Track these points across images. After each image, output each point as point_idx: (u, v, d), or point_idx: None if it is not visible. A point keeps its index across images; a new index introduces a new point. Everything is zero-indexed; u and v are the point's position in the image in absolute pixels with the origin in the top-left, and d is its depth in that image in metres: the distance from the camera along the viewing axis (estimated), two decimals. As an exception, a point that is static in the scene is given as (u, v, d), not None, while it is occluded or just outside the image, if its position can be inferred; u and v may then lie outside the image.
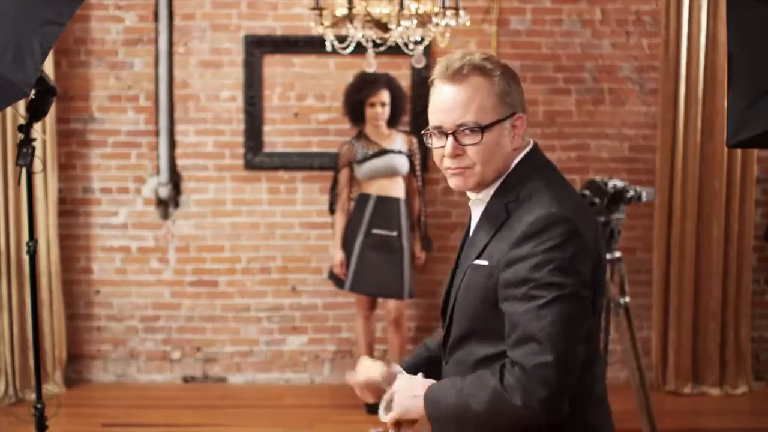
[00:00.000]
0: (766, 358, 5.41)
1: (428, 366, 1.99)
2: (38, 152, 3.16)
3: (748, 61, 2.38)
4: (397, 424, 1.82)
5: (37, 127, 2.94)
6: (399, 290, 4.70)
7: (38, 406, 2.98)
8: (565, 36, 5.21)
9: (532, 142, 1.87)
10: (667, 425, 4.47)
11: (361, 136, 4.78)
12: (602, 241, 1.96)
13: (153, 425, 4.56)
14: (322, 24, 3.69)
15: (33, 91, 2.77)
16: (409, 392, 1.79)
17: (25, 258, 4.27)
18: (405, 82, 5.08)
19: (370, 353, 4.85)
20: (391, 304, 4.76)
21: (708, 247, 5.07)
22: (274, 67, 5.18)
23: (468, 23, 3.86)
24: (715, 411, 4.90)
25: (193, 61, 5.16)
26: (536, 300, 1.64)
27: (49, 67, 4.76)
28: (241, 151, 5.20)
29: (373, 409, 4.81)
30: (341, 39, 3.70)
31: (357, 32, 3.61)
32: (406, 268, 4.75)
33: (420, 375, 1.87)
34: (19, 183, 3.04)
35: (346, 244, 4.74)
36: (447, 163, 1.80)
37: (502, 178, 1.82)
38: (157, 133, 5.18)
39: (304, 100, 5.20)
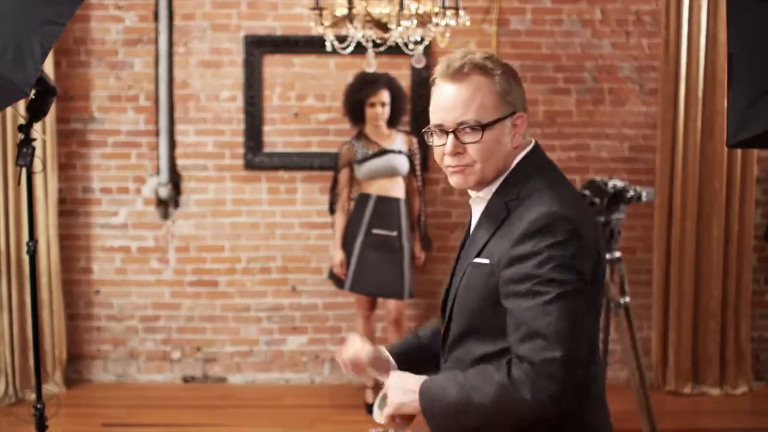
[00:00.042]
0: (766, 358, 5.41)
1: (415, 354, 2.02)
2: (38, 152, 3.16)
3: (748, 61, 2.38)
4: (393, 419, 1.82)
5: (37, 127, 2.94)
6: (399, 290, 4.70)
7: (38, 406, 2.98)
8: (565, 36, 5.21)
9: (533, 142, 1.88)
10: (667, 425, 4.47)
11: (361, 136, 4.78)
12: (602, 241, 1.97)
13: (153, 425, 4.56)
14: (322, 24, 3.69)
15: (33, 91, 2.77)
16: (403, 388, 1.79)
17: (25, 258, 4.27)
18: (405, 82, 5.08)
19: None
20: (391, 304, 4.76)
21: (708, 247, 5.07)
22: (274, 67, 5.18)
23: (468, 23, 3.86)
24: (715, 411, 4.90)
25: (193, 61, 5.16)
26: (541, 296, 1.64)
27: (49, 67, 4.76)
28: (241, 151, 5.20)
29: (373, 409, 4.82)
30: (341, 39, 3.70)
31: (357, 32, 3.61)
32: (406, 268, 4.75)
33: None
34: (19, 183, 3.04)
35: (346, 244, 4.73)
36: (447, 161, 1.81)
37: (503, 177, 1.82)
38: (157, 133, 5.18)
39: (304, 100, 5.21)
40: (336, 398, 5.02)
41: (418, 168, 4.86)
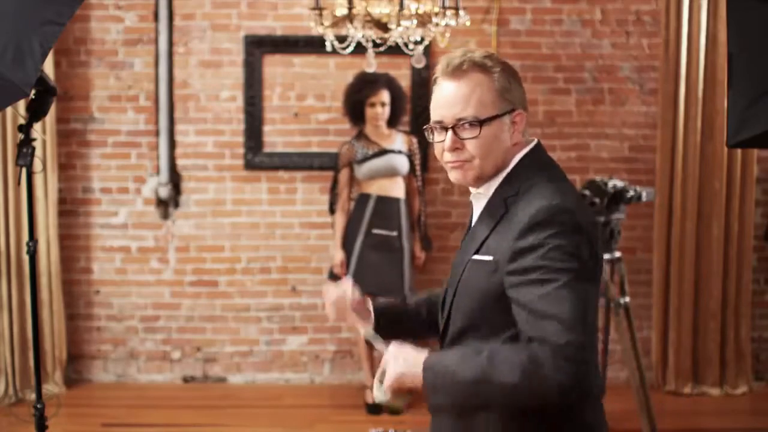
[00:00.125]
0: (766, 358, 5.41)
1: (395, 317, 2.04)
2: (38, 152, 3.15)
3: (748, 61, 2.38)
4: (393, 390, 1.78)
5: (37, 127, 2.94)
6: (399, 290, 4.70)
7: (38, 406, 2.98)
8: (565, 36, 5.21)
9: (535, 141, 1.89)
10: (667, 425, 4.47)
11: (361, 136, 4.78)
12: (601, 242, 1.97)
13: (153, 425, 4.56)
14: (322, 24, 3.69)
15: (33, 91, 2.77)
16: (404, 358, 1.74)
17: (25, 258, 4.27)
18: (405, 82, 5.08)
19: (370, 353, 4.85)
20: (391, 304, 4.75)
21: (708, 247, 5.07)
22: (274, 67, 5.18)
23: (468, 23, 3.86)
24: (715, 411, 4.90)
25: (193, 61, 5.16)
26: (551, 284, 1.64)
27: (49, 67, 4.76)
28: (241, 151, 5.20)
29: (373, 409, 4.84)
30: (341, 39, 3.70)
31: (357, 32, 3.61)
32: (406, 268, 4.75)
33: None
34: (19, 183, 3.04)
35: (346, 244, 4.73)
36: (447, 156, 1.84)
37: (503, 175, 1.84)
38: (157, 133, 5.18)
39: (304, 100, 5.21)
40: (336, 398, 5.02)
41: (418, 168, 4.86)
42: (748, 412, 4.93)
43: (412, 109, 5.14)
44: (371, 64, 3.84)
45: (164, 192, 5.18)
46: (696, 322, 5.12)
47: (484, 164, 1.82)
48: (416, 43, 3.74)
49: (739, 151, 4.94)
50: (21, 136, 2.90)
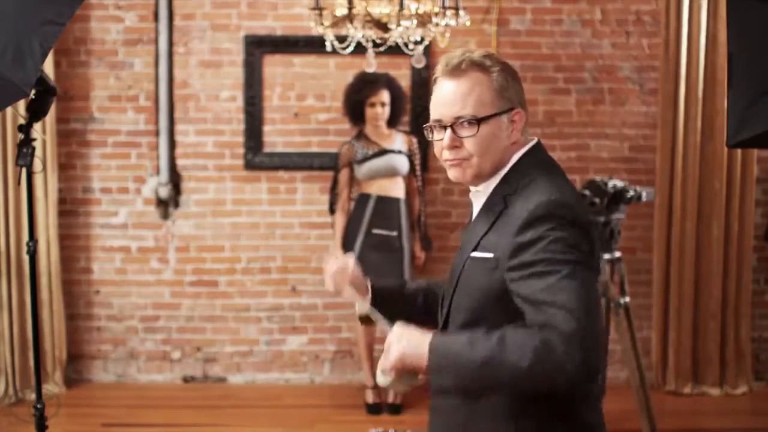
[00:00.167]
0: (766, 358, 5.41)
1: (392, 297, 2.04)
2: (38, 152, 3.16)
3: (748, 61, 2.38)
4: (394, 370, 1.75)
5: (37, 127, 2.94)
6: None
7: (38, 406, 2.98)
8: (565, 36, 5.21)
9: (535, 140, 1.90)
10: (667, 425, 4.47)
11: (361, 136, 4.78)
12: (599, 240, 1.98)
13: (153, 425, 4.56)
14: (322, 24, 3.69)
15: (33, 91, 2.77)
16: (408, 338, 1.73)
17: (25, 258, 4.27)
18: (405, 82, 5.08)
19: (370, 353, 4.85)
20: (391, 304, 4.75)
21: (708, 247, 5.07)
22: (274, 67, 5.18)
23: (468, 23, 3.86)
24: (715, 411, 4.90)
25: (193, 61, 5.16)
26: (554, 275, 1.64)
27: (49, 67, 4.76)
28: (241, 151, 5.20)
29: (373, 409, 4.84)
30: (341, 39, 3.70)
31: (357, 32, 3.61)
32: (406, 268, 4.75)
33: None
34: (19, 183, 3.04)
35: (346, 244, 4.73)
36: (445, 154, 1.85)
37: (502, 173, 1.85)
38: (157, 133, 5.18)
39: (304, 100, 5.20)
40: (336, 398, 5.02)
41: (418, 168, 4.86)
42: (748, 412, 4.93)
43: (412, 109, 5.14)
44: (371, 64, 3.83)
45: (164, 192, 5.18)
46: (696, 322, 5.12)
47: (483, 162, 1.83)
48: (416, 43, 3.74)
49: (739, 151, 4.93)
50: (21, 136, 2.90)
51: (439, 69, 1.86)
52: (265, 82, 5.17)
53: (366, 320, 2.03)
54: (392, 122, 4.79)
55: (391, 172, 4.74)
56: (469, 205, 1.95)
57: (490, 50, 2.35)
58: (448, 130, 1.82)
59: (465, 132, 1.81)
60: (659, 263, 5.11)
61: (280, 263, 5.24)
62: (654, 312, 5.17)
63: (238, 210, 5.23)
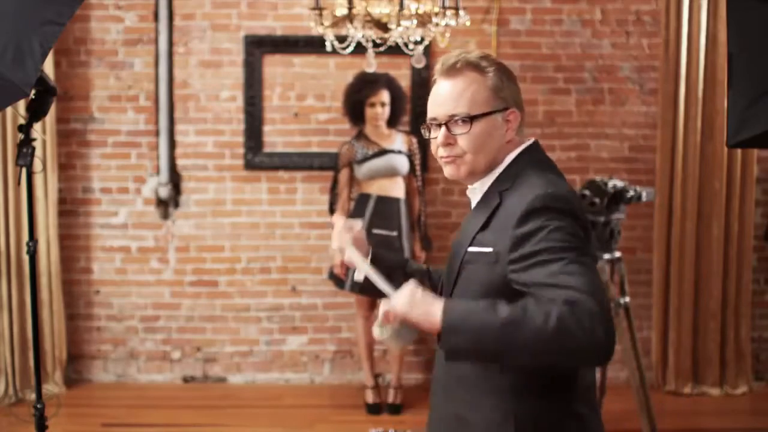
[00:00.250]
0: (766, 358, 5.41)
1: (393, 269, 2.04)
2: (38, 152, 3.16)
3: (748, 61, 2.38)
4: (392, 317, 1.72)
5: (37, 127, 2.94)
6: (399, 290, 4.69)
7: (38, 406, 2.98)
8: (565, 36, 5.21)
9: (532, 140, 1.93)
10: (667, 425, 4.47)
11: (361, 136, 4.78)
12: (595, 242, 2.00)
13: (153, 425, 4.56)
14: (322, 24, 3.69)
15: (33, 91, 2.77)
16: (420, 297, 1.69)
17: (25, 258, 4.27)
18: (405, 82, 5.08)
19: (370, 353, 4.86)
20: (391, 304, 4.75)
21: (708, 247, 5.07)
22: (274, 67, 5.18)
23: (468, 23, 3.86)
24: (715, 411, 4.90)
25: (193, 61, 5.16)
26: (558, 262, 1.66)
27: (49, 67, 4.76)
28: (241, 151, 5.20)
29: (373, 409, 4.84)
30: (341, 39, 3.70)
31: (357, 32, 3.61)
32: (406, 268, 4.74)
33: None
34: (19, 183, 3.04)
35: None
36: (440, 152, 1.90)
37: (499, 170, 1.88)
38: (157, 133, 5.18)
39: (304, 100, 5.21)
40: (336, 398, 5.02)
41: (418, 168, 4.86)
42: (748, 412, 4.93)
43: (412, 109, 5.14)
44: (371, 64, 3.83)
45: (164, 192, 5.18)
46: (696, 322, 5.12)
47: (476, 159, 1.87)
48: (416, 43, 3.74)
49: (739, 151, 4.94)
50: (21, 136, 2.90)
51: (436, 69, 1.91)
52: (265, 82, 5.18)
53: (362, 288, 2.02)
54: (392, 122, 4.79)
55: (391, 172, 4.74)
56: (469, 204, 1.97)
57: (487, 51, 2.37)
58: (443, 128, 1.88)
59: (458, 129, 1.86)
60: (659, 263, 5.11)
61: (280, 263, 5.24)
62: (654, 312, 5.17)
63: (238, 210, 5.23)
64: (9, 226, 4.83)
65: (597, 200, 4.06)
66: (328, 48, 3.71)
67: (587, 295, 1.59)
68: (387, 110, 4.73)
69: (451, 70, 1.87)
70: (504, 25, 5.19)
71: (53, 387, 4.95)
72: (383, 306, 1.72)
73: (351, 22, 3.58)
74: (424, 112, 1.97)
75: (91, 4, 5.08)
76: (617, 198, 4.08)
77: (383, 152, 4.73)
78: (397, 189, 4.78)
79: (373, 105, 4.70)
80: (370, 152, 4.72)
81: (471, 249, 1.83)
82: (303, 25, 4.90)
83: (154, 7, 5.12)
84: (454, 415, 1.87)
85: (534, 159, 1.89)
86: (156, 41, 5.13)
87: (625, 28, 5.22)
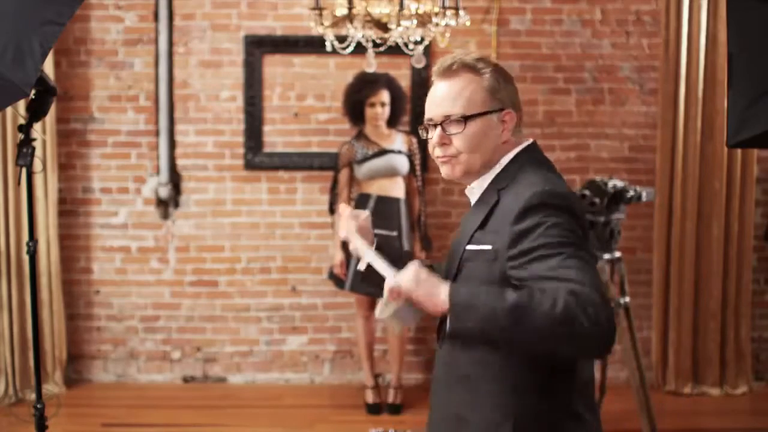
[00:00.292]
0: (766, 358, 5.41)
1: (395, 260, 2.02)
2: (38, 152, 3.16)
3: (748, 61, 2.38)
4: (396, 294, 1.72)
5: (37, 127, 2.94)
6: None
7: (38, 406, 2.98)
8: (565, 36, 5.21)
9: (531, 140, 1.95)
10: (667, 425, 4.47)
11: (361, 136, 4.78)
12: (595, 242, 2.01)
13: (153, 425, 4.56)
14: (322, 24, 3.69)
15: (33, 91, 2.77)
16: (425, 278, 1.70)
17: (25, 258, 4.27)
18: (405, 82, 5.08)
19: (370, 353, 4.85)
20: (391, 304, 4.75)
21: (708, 247, 5.07)
22: (274, 67, 5.18)
23: (468, 23, 3.86)
24: (715, 411, 4.90)
25: (193, 61, 5.16)
26: (557, 257, 1.67)
27: (49, 67, 4.76)
28: (241, 151, 5.20)
29: (373, 409, 4.84)
30: (341, 39, 3.70)
31: (357, 32, 3.61)
32: (406, 268, 4.74)
33: None
34: (19, 183, 3.04)
35: (347, 244, 4.72)
36: (436, 152, 1.93)
37: (497, 170, 1.90)
38: (157, 133, 5.18)
39: (304, 100, 5.20)
40: (336, 398, 5.02)
41: (418, 168, 4.86)
42: (748, 412, 4.93)
43: (412, 109, 5.14)
44: (371, 64, 3.83)
45: (164, 192, 5.18)
46: (696, 322, 5.12)
47: (471, 159, 1.89)
48: (416, 43, 3.74)
49: (739, 151, 4.94)
50: (21, 136, 2.90)
51: (433, 71, 1.95)
52: (265, 82, 5.17)
53: (364, 277, 2.01)
54: (392, 122, 4.79)
55: (391, 172, 4.74)
56: (469, 204, 1.99)
57: (485, 53, 2.39)
58: (438, 128, 1.90)
59: (453, 129, 1.88)
60: (659, 263, 5.11)
61: (280, 263, 5.24)
62: (654, 312, 5.17)
63: (238, 210, 5.23)
64: (9, 226, 4.82)
65: (597, 200, 4.06)
66: (328, 48, 3.71)
67: (587, 287, 1.61)
68: (387, 110, 4.73)
69: (448, 72, 1.90)
70: (504, 25, 5.19)
71: (53, 387, 4.95)
72: (388, 283, 1.74)
73: (351, 22, 3.58)
74: (424, 112, 1.99)
75: (91, 4, 5.08)
76: (617, 198, 4.08)
77: (383, 152, 4.73)
78: (397, 189, 4.78)
79: (373, 105, 4.70)
80: (370, 152, 4.72)
81: (470, 247, 1.84)
82: (303, 25, 4.90)
83: (154, 7, 5.12)
84: (454, 415, 1.88)
85: (532, 159, 1.91)
86: (156, 41, 5.13)
87: (625, 28, 5.22)
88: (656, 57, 5.16)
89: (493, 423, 1.80)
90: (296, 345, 5.28)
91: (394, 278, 1.73)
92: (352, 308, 5.10)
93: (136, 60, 5.16)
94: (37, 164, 3.14)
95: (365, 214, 2.06)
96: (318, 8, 3.66)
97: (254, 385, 5.26)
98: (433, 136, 1.91)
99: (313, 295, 5.25)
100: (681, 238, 5.06)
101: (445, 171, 1.93)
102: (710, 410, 4.91)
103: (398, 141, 4.78)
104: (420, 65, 3.95)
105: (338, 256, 4.74)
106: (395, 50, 3.85)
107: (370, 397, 4.80)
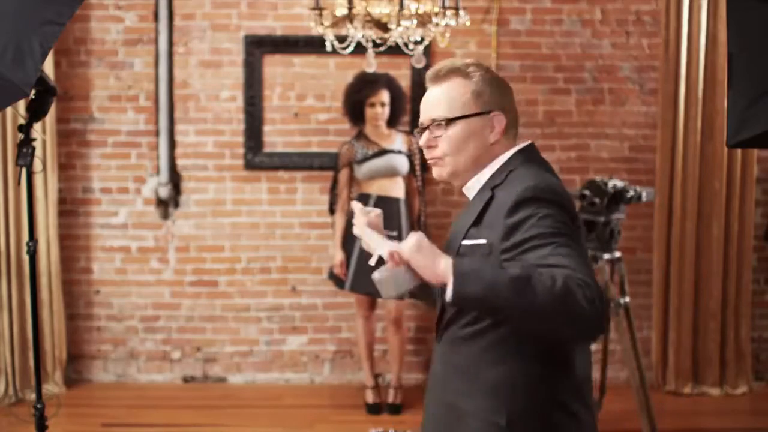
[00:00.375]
0: (766, 358, 5.41)
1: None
2: (38, 152, 3.15)
3: (748, 61, 2.38)
4: (395, 259, 1.73)
5: (37, 127, 2.93)
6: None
7: (38, 406, 2.98)
8: (565, 36, 5.21)
9: (529, 142, 1.99)
10: (667, 425, 4.47)
11: (361, 136, 4.78)
12: (595, 242, 2.03)
13: (153, 425, 4.56)
14: (322, 24, 3.68)
15: (33, 91, 2.77)
16: (429, 247, 1.72)
17: (25, 258, 4.27)
18: (405, 82, 5.08)
19: (370, 353, 4.85)
20: (391, 304, 4.76)
21: (708, 247, 5.07)
22: (274, 67, 5.18)
23: (468, 23, 3.86)
24: (715, 411, 4.90)
25: (193, 61, 5.16)
26: (548, 246, 1.70)
27: (49, 67, 4.76)
28: (241, 151, 5.20)
29: (373, 409, 4.84)
30: (341, 39, 3.70)
31: (357, 32, 3.61)
32: (406, 268, 4.74)
33: None
34: (19, 183, 3.04)
35: (346, 244, 4.73)
36: (426, 154, 1.99)
37: (493, 169, 1.93)
38: (157, 133, 5.18)
39: (304, 100, 5.20)
40: (336, 398, 5.02)
41: (418, 168, 4.86)
42: (748, 412, 4.93)
43: (412, 109, 5.14)
44: (371, 64, 3.83)
45: (164, 192, 5.18)
46: (696, 322, 5.12)
47: (456, 161, 1.93)
48: (416, 43, 3.73)
49: (739, 151, 4.93)
50: (21, 136, 2.90)
51: (425, 78, 2.00)
52: (265, 82, 5.17)
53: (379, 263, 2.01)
54: (392, 122, 4.79)
55: (391, 172, 4.74)
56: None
57: (485, 54, 2.40)
58: (426, 132, 1.96)
59: (437, 131, 1.93)
60: (659, 263, 5.11)
61: (280, 263, 5.24)
62: (654, 312, 5.17)
63: (238, 210, 5.23)
64: (9, 226, 4.82)
65: (597, 200, 4.06)
66: (328, 48, 3.71)
67: (580, 273, 1.65)
68: (387, 110, 4.73)
69: (437, 77, 1.96)
70: (504, 25, 5.19)
71: (53, 387, 4.95)
72: (390, 247, 1.76)
73: (351, 22, 3.58)
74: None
75: (91, 4, 5.08)
76: (617, 198, 4.08)
77: (383, 152, 4.73)
78: (397, 189, 4.78)
79: (373, 105, 4.71)
80: (370, 152, 4.72)
81: (465, 242, 1.87)
82: (303, 25, 4.90)
83: (154, 7, 5.12)
84: (448, 405, 1.91)
85: (528, 159, 1.93)
86: (156, 41, 5.13)
87: (625, 28, 5.22)
88: (656, 57, 5.16)
89: (487, 411, 1.82)
90: (296, 345, 5.28)
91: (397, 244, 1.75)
92: (352, 308, 5.10)
93: (136, 60, 5.16)
94: (37, 164, 3.14)
95: (377, 211, 2.08)
96: (318, 8, 3.66)
97: (254, 385, 5.26)
98: (422, 138, 1.97)
99: (313, 295, 5.25)
100: (681, 238, 5.06)
101: (435, 173, 1.99)
102: (710, 410, 4.92)
103: (398, 141, 4.79)
104: (420, 65, 3.95)
105: (338, 256, 4.74)
106: (395, 50, 3.84)
107: (370, 397, 4.80)
